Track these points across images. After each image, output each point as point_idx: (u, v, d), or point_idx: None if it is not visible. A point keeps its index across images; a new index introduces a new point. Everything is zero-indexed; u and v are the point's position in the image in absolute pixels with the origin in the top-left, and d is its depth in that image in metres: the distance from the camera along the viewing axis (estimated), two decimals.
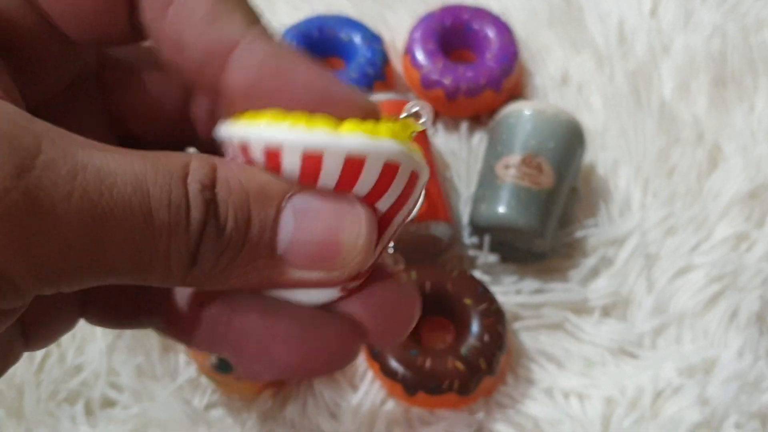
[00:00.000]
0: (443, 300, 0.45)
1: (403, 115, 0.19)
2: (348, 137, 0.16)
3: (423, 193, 0.38)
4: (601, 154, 0.53)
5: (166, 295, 0.21)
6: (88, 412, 0.44)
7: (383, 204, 0.18)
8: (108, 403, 0.44)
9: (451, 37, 0.54)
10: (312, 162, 0.17)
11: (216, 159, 0.17)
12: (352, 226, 0.17)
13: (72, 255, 0.15)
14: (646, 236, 0.49)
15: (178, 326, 0.21)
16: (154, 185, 0.16)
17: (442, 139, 0.54)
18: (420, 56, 0.53)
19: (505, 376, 0.45)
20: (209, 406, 0.44)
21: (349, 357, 0.20)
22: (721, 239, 0.49)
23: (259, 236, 0.17)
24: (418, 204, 0.19)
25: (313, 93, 0.18)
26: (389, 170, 0.17)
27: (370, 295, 0.20)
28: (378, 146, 0.17)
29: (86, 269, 0.16)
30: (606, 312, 0.48)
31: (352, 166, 0.17)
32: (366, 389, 0.44)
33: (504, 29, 0.54)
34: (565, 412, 0.44)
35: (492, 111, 0.53)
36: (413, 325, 0.21)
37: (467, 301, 0.44)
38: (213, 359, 0.41)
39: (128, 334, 0.45)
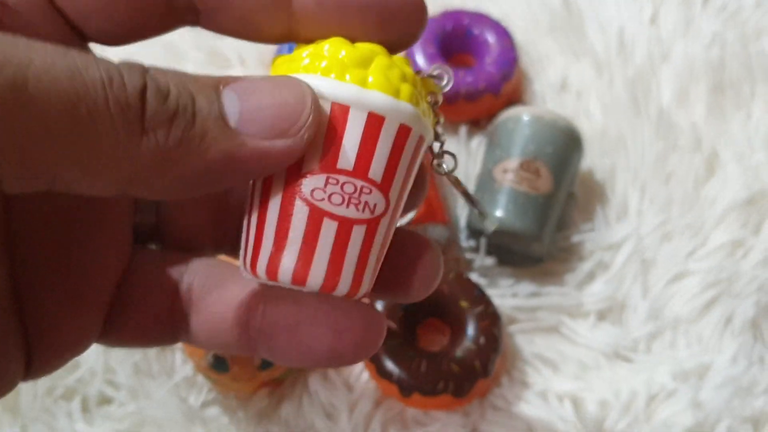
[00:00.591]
0: (439, 302, 0.45)
1: (426, 74, 0.21)
2: (373, 95, 0.20)
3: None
4: (598, 160, 0.53)
5: (200, 312, 0.22)
6: (85, 409, 0.44)
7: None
8: (104, 401, 0.44)
9: (452, 41, 0.55)
10: (341, 110, 0.20)
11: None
12: (295, 89, 0.18)
13: (56, 136, 0.16)
14: (642, 242, 0.49)
15: (211, 336, 0.22)
16: (86, 69, 0.16)
17: None
18: (420, 60, 0.53)
19: (499, 379, 0.45)
20: (205, 405, 0.44)
21: (376, 342, 0.21)
22: (717, 246, 0.49)
23: (207, 107, 0.17)
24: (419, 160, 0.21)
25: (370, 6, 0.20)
26: (403, 130, 0.20)
27: (407, 258, 0.21)
28: (396, 108, 0.20)
29: (65, 149, 0.16)
30: (601, 316, 0.48)
31: (373, 119, 0.20)
32: (361, 390, 0.45)
33: (504, 35, 0.54)
34: (559, 415, 0.44)
35: (491, 116, 0.53)
36: (438, 280, 0.22)
37: (463, 303, 0.45)
38: (209, 358, 0.42)
39: None
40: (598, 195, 0.52)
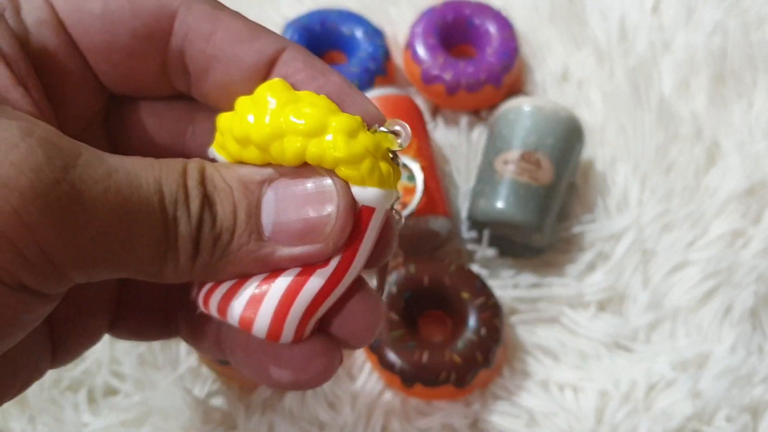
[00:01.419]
0: (441, 293, 0.45)
1: (383, 129, 0.21)
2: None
3: (422, 187, 0.40)
4: (599, 150, 0.53)
5: (188, 311, 0.23)
6: (91, 400, 0.45)
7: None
8: (110, 392, 0.45)
9: (453, 32, 0.54)
10: None
11: (203, 161, 0.20)
12: (329, 203, 0.20)
13: (107, 244, 0.18)
14: (642, 232, 0.50)
15: (195, 337, 0.24)
16: (166, 185, 0.19)
17: (442, 133, 0.54)
18: (421, 51, 0.53)
19: (501, 369, 0.46)
20: (210, 396, 0.45)
21: (332, 370, 0.22)
22: (717, 236, 0.49)
23: (246, 220, 0.20)
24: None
25: (336, 99, 0.21)
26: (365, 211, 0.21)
27: (341, 308, 0.22)
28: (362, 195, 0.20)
29: (117, 259, 0.18)
30: (602, 306, 0.48)
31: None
32: (364, 380, 0.45)
33: (505, 25, 0.54)
34: (559, 404, 0.45)
35: (492, 106, 0.53)
36: (379, 330, 0.24)
37: (465, 294, 0.45)
38: None
39: None
40: (598, 186, 0.52)
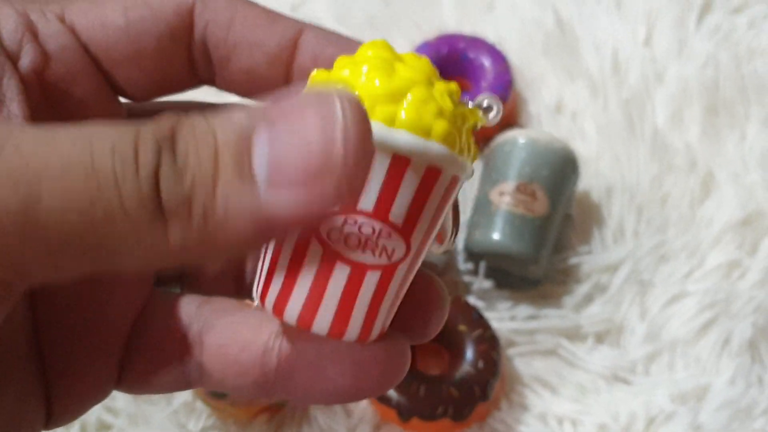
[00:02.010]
0: None
1: (474, 104, 0.20)
2: (399, 136, 0.18)
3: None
4: (594, 182, 0.53)
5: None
6: None
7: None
8: (104, 427, 0.44)
9: (447, 65, 0.55)
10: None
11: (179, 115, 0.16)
12: (339, 133, 0.15)
13: (59, 229, 0.14)
14: (639, 263, 0.50)
15: (228, 378, 0.21)
16: (100, 158, 0.15)
17: None
18: None
19: (499, 402, 0.45)
20: (204, 431, 0.44)
21: (399, 374, 0.20)
22: (714, 267, 0.49)
23: (232, 168, 0.15)
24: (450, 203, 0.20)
25: None
26: (431, 172, 0.18)
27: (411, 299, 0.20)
28: (424, 149, 0.18)
29: (72, 245, 0.15)
30: (599, 338, 0.48)
31: (398, 161, 0.18)
32: (360, 415, 0.45)
33: (499, 58, 0.55)
34: None
35: (487, 139, 0.53)
36: (445, 317, 0.21)
37: (461, 327, 0.45)
38: None
39: None
40: (594, 217, 0.52)
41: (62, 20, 0.21)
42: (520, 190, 0.47)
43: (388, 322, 0.20)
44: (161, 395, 0.45)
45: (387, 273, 0.19)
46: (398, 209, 0.18)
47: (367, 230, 0.18)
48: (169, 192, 0.15)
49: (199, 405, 0.45)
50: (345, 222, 0.18)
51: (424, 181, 0.18)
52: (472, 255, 0.49)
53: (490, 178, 0.49)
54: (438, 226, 0.19)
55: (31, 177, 0.14)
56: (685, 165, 0.53)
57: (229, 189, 0.15)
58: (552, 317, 0.48)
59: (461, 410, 0.42)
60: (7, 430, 0.19)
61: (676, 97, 0.56)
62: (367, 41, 0.21)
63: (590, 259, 0.50)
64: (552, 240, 0.48)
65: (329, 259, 0.18)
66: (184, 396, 0.45)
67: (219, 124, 0.15)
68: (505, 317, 0.48)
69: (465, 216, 0.52)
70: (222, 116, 0.16)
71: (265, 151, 0.15)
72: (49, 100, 0.21)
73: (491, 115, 0.20)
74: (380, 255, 0.18)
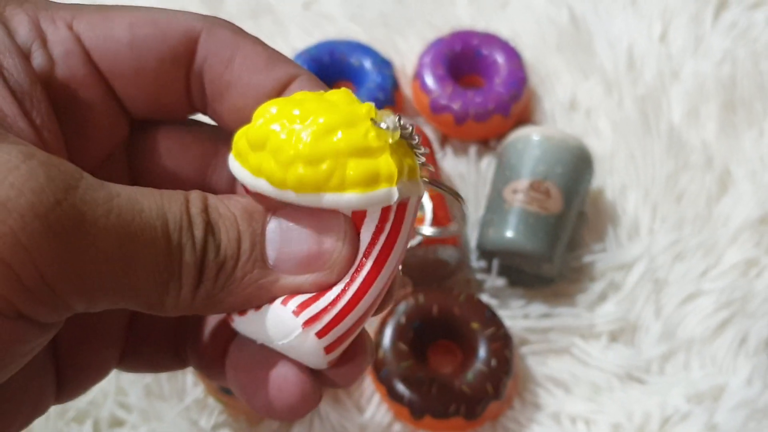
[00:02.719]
0: (450, 324, 0.45)
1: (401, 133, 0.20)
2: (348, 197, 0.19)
3: (431, 216, 0.39)
4: (609, 179, 0.53)
5: (197, 340, 0.23)
6: (97, 431, 0.44)
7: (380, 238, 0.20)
8: (116, 423, 0.45)
9: (461, 62, 0.55)
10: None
11: (205, 192, 0.20)
12: (333, 230, 0.20)
13: (107, 270, 0.17)
14: (654, 261, 0.49)
15: (205, 367, 0.23)
16: (169, 211, 0.18)
17: (451, 163, 0.54)
18: (429, 81, 0.53)
19: (511, 401, 0.45)
20: (216, 427, 0.44)
21: (314, 402, 0.21)
22: (731, 265, 0.49)
23: (250, 249, 0.19)
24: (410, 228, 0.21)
25: None
26: (385, 211, 0.20)
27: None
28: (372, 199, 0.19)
29: (117, 286, 0.18)
30: (614, 337, 0.47)
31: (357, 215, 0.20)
32: (372, 412, 0.44)
33: (513, 55, 0.54)
34: None
35: (501, 136, 0.53)
36: (364, 370, 0.23)
37: (474, 325, 0.44)
38: None
39: None
40: (609, 214, 0.52)
41: (70, 28, 0.21)
42: (534, 188, 0.47)
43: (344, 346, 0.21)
44: (173, 392, 0.45)
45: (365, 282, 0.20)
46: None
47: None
48: (210, 264, 0.19)
49: (211, 401, 0.45)
50: None
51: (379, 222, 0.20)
52: (485, 253, 0.48)
53: (503, 176, 0.49)
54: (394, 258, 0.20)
55: (131, 241, 0.18)
56: (702, 162, 0.53)
57: (248, 267, 0.19)
58: (566, 316, 0.48)
59: (474, 409, 0.42)
60: (24, 403, 0.21)
61: (692, 94, 0.56)
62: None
63: (605, 257, 0.49)
64: (566, 238, 0.48)
65: None
66: (195, 393, 0.45)
67: (240, 215, 0.20)
68: (518, 315, 0.48)
69: (478, 214, 0.51)
70: (238, 204, 0.20)
71: (276, 243, 0.20)
72: (54, 104, 0.21)
73: (403, 132, 0.20)
74: None
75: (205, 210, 0.19)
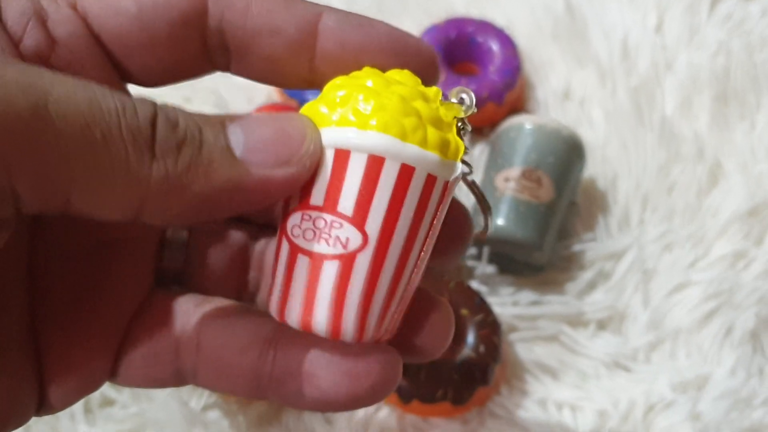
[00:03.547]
0: None
1: (451, 99, 0.21)
2: (369, 137, 0.19)
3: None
4: (601, 169, 0.53)
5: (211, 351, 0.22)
6: (87, 410, 0.44)
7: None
8: (107, 402, 0.45)
9: (455, 49, 0.55)
10: (341, 154, 0.20)
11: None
12: (296, 122, 0.19)
13: (68, 162, 0.16)
14: (643, 251, 0.49)
15: (222, 379, 0.22)
16: (103, 98, 0.17)
17: None
18: None
19: (499, 387, 0.46)
20: (206, 408, 0.45)
21: (390, 387, 0.20)
22: (719, 256, 0.49)
23: (213, 138, 0.19)
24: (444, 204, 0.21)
25: (388, 44, 0.21)
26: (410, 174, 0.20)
27: (417, 318, 0.21)
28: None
29: (77, 176, 0.17)
30: (601, 325, 0.48)
31: (372, 161, 0.20)
32: None
33: (508, 43, 0.54)
34: (557, 423, 0.44)
35: (494, 123, 0.53)
36: (450, 340, 0.22)
37: (464, 311, 0.45)
38: None
39: None
40: (599, 204, 0.52)
41: (74, 7, 0.21)
42: (526, 177, 0.47)
43: (388, 327, 0.20)
44: None
45: (345, 262, 0.19)
46: (346, 201, 0.19)
47: (320, 223, 0.20)
48: (163, 136, 0.17)
49: None
50: (302, 218, 0.20)
51: (369, 172, 0.19)
52: (476, 240, 0.49)
53: (495, 164, 0.49)
54: (425, 224, 0.20)
55: (41, 87, 0.16)
56: (693, 154, 0.53)
57: (215, 153, 0.18)
58: (554, 303, 0.48)
59: (461, 394, 0.43)
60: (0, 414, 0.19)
61: (685, 85, 0.56)
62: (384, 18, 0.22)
63: (594, 247, 0.50)
64: (556, 227, 0.48)
65: (293, 253, 0.20)
66: None
67: (197, 115, 0.19)
68: (507, 302, 0.48)
69: (469, 201, 0.52)
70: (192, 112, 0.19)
71: (239, 137, 0.19)
72: None
73: (465, 105, 0.21)
74: (335, 245, 0.19)
75: (154, 103, 0.18)
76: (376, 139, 0.19)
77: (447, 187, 0.20)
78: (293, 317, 0.20)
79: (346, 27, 0.21)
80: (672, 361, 0.46)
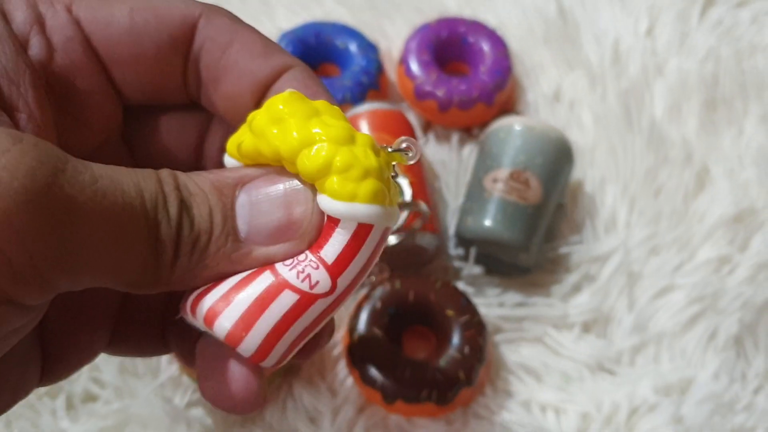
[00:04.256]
0: (426, 310, 0.45)
1: (393, 148, 0.21)
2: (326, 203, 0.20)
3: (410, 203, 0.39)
4: (589, 172, 0.53)
5: (179, 326, 0.23)
6: (69, 406, 0.44)
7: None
8: (89, 398, 0.45)
9: (447, 49, 0.55)
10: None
11: (175, 171, 0.20)
12: (303, 204, 0.20)
13: (93, 249, 0.17)
14: (629, 255, 0.50)
15: (184, 353, 0.24)
16: (146, 190, 0.19)
17: (433, 149, 0.54)
18: (414, 67, 0.53)
19: (483, 388, 0.46)
20: (190, 405, 0.45)
21: (256, 402, 0.21)
22: (704, 261, 0.49)
23: (222, 223, 0.20)
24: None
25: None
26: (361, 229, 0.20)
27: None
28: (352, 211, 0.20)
29: (101, 264, 0.18)
30: (586, 328, 0.48)
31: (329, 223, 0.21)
32: (345, 395, 0.45)
33: (499, 44, 0.54)
34: (541, 425, 0.44)
35: (483, 124, 0.53)
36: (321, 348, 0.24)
37: (449, 312, 0.45)
38: None
39: None
40: (587, 207, 0.52)
41: (70, 11, 0.21)
42: (514, 178, 0.47)
43: (282, 359, 0.21)
44: (147, 369, 0.45)
45: (304, 301, 0.20)
46: (330, 248, 0.20)
47: (300, 254, 0.20)
48: (185, 240, 0.19)
49: (186, 379, 0.45)
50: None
51: (356, 235, 0.20)
52: (463, 241, 0.49)
53: (484, 165, 0.49)
54: (365, 275, 0.21)
55: (115, 220, 0.18)
56: (681, 158, 0.53)
57: (221, 241, 0.20)
58: (540, 305, 0.48)
59: (445, 394, 0.43)
60: (5, 387, 0.21)
61: (675, 90, 0.56)
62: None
63: (581, 249, 0.50)
64: (543, 229, 0.48)
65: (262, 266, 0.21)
66: (170, 370, 0.45)
67: (209, 191, 0.20)
68: (493, 304, 0.48)
69: (457, 201, 0.52)
70: (206, 180, 0.20)
71: (246, 216, 0.20)
72: (52, 91, 0.21)
73: (410, 155, 0.21)
74: (303, 281, 0.20)
75: (177, 188, 0.19)
76: (365, 211, 0.20)
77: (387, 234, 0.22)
78: (222, 328, 0.20)
79: (302, 86, 0.22)
80: (656, 364, 0.47)
